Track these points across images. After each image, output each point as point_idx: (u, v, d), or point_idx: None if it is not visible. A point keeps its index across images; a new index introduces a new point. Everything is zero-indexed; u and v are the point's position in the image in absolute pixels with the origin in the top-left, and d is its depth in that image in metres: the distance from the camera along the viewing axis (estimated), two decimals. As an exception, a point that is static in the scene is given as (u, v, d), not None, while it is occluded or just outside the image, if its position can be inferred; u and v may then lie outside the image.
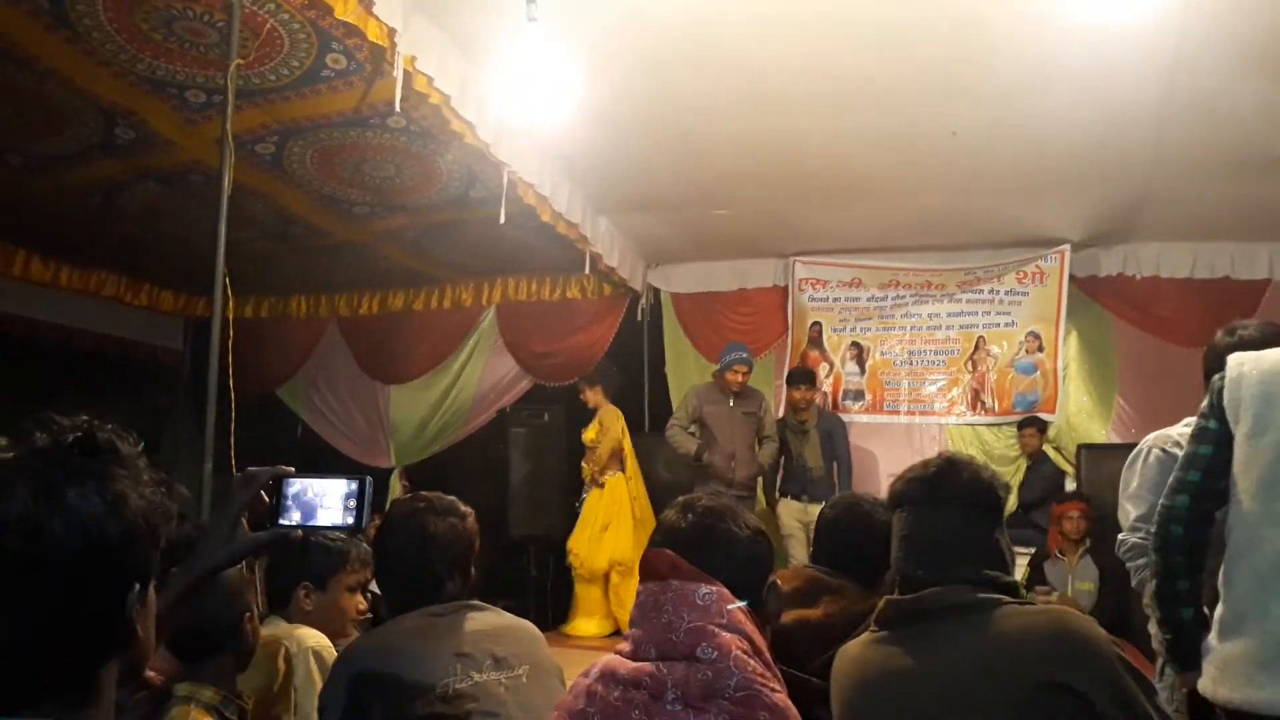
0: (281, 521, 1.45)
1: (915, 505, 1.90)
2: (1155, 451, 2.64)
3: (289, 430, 8.84)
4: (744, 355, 6.55)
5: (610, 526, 6.83)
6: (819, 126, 5.03)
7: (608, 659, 1.68)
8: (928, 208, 6.29)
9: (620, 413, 7.01)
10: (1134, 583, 2.63)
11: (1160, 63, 4.22)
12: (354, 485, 1.44)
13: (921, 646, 1.79)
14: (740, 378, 6.48)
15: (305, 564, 2.51)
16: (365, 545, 2.58)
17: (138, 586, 0.99)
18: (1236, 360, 1.99)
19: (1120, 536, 2.66)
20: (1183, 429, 2.65)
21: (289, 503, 1.45)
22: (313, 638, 2.37)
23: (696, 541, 1.73)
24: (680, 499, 1.83)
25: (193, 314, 8.76)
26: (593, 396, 7.04)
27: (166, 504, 1.04)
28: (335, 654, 2.30)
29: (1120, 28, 3.90)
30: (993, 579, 1.80)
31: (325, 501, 1.45)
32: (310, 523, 1.45)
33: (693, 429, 6.53)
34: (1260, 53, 4.13)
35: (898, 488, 1.95)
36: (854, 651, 1.90)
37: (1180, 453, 2.50)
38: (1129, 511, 2.65)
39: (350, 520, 1.43)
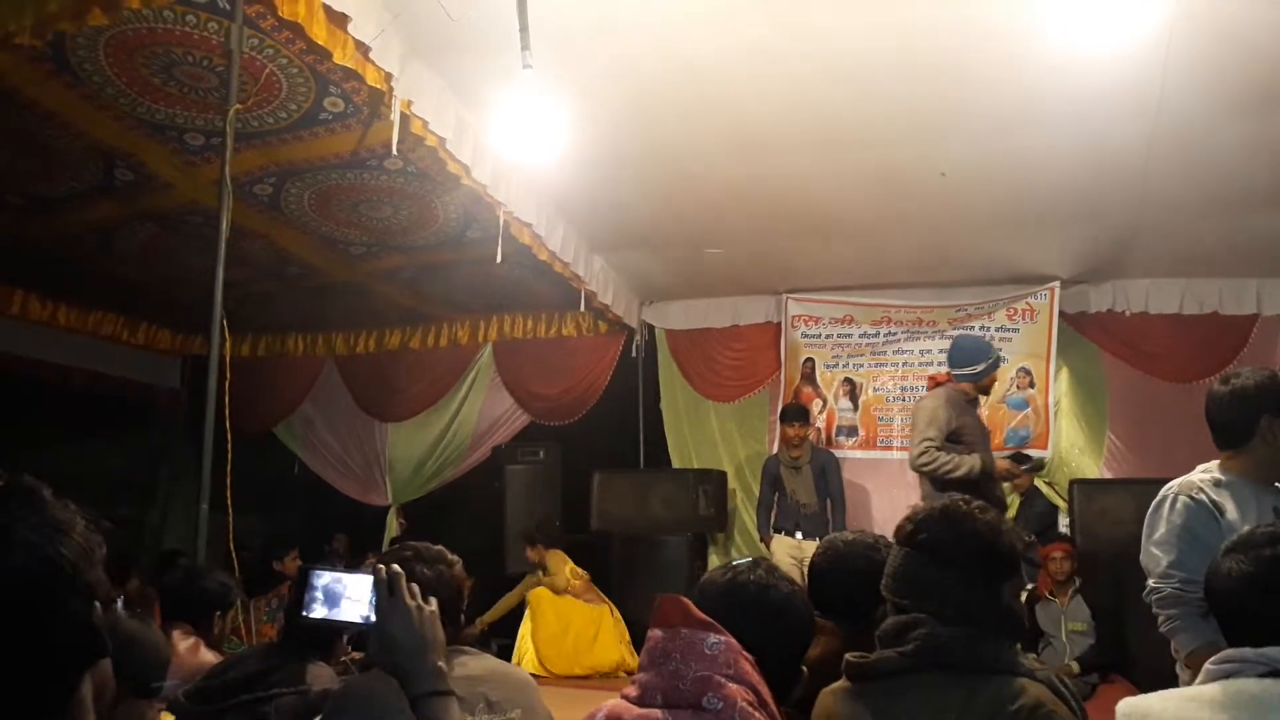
0: (305, 614, 1.45)
1: (905, 547, 1.92)
2: (1182, 499, 2.62)
3: (286, 469, 8.85)
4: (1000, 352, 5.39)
5: (576, 632, 6.58)
6: (808, 167, 5.10)
7: (613, 704, 1.68)
8: (918, 245, 6.34)
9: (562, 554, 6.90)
10: (1162, 629, 2.62)
11: (1145, 101, 4.29)
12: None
13: (882, 706, 1.79)
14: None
15: (190, 607, 2.49)
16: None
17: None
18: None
19: (1151, 583, 2.63)
20: (1202, 475, 2.67)
21: (315, 594, 1.45)
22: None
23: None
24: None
25: (190, 353, 8.80)
26: (534, 555, 6.97)
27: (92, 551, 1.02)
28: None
29: (1104, 66, 3.96)
30: (961, 646, 1.78)
31: (350, 594, 1.45)
32: (334, 615, 1.46)
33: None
34: (1242, 91, 4.20)
35: (901, 524, 1.96)
36: (826, 701, 1.90)
37: (1206, 499, 2.56)
38: (1159, 558, 2.62)
39: (374, 616, 1.42)
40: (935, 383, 5.27)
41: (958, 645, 1.77)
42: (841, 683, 1.92)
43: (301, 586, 1.45)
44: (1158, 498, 2.71)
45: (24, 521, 0.96)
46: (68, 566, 0.97)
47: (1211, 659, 1.73)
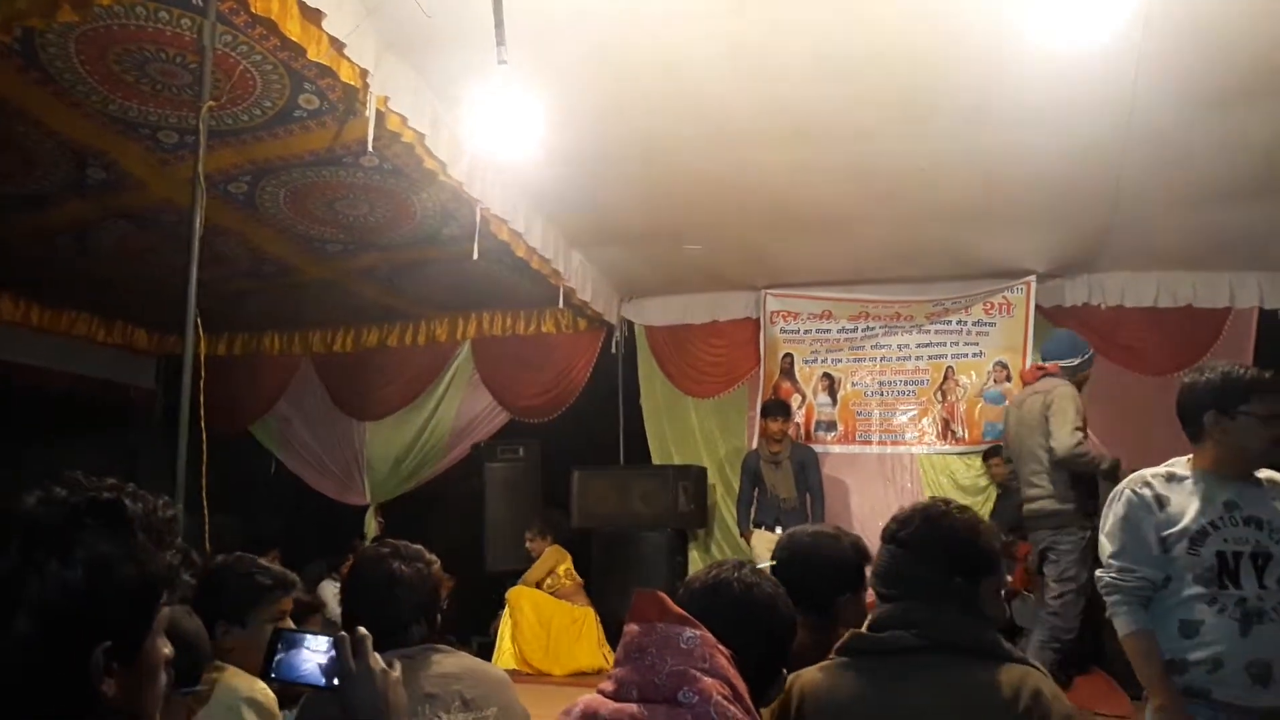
0: (273, 675, 1.44)
1: (893, 545, 2.03)
2: (1126, 492, 2.73)
3: (263, 468, 8.80)
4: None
5: (558, 630, 6.72)
6: (786, 162, 5.11)
7: (589, 698, 1.70)
8: (895, 241, 6.37)
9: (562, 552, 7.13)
10: (1108, 614, 2.71)
11: (1118, 96, 4.33)
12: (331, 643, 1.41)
13: (887, 682, 1.88)
14: None
15: (220, 599, 2.39)
16: (290, 573, 2.54)
17: (109, 643, 1.02)
18: None
19: (1097, 573, 2.76)
20: (1162, 468, 2.73)
21: (280, 655, 1.43)
22: (245, 685, 2.26)
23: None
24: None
25: (166, 352, 8.73)
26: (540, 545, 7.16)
27: (166, 569, 1.08)
28: (272, 698, 2.25)
29: (1078, 62, 3.99)
30: (962, 630, 1.89)
31: (319, 656, 1.43)
32: (300, 677, 1.42)
33: None
34: (1214, 85, 4.24)
35: (887, 525, 2.08)
36: (815, 677, 1.96)
37: (1149, 493, 2.65)
38: (1105, 548, 2.74)
39: (323, 681, 1.40)
40: (1042, 372, 5.22)
41: (965, 630, 1.88)
42: (832, 659, 1.99)
43: (271, 648, 1.43)
44: (1113, 490, 2.82)
45: (87, 542, 1.01)
46: (82, 606, 1.00)
47: None
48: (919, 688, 1.83)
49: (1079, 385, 5.10)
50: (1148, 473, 2.74)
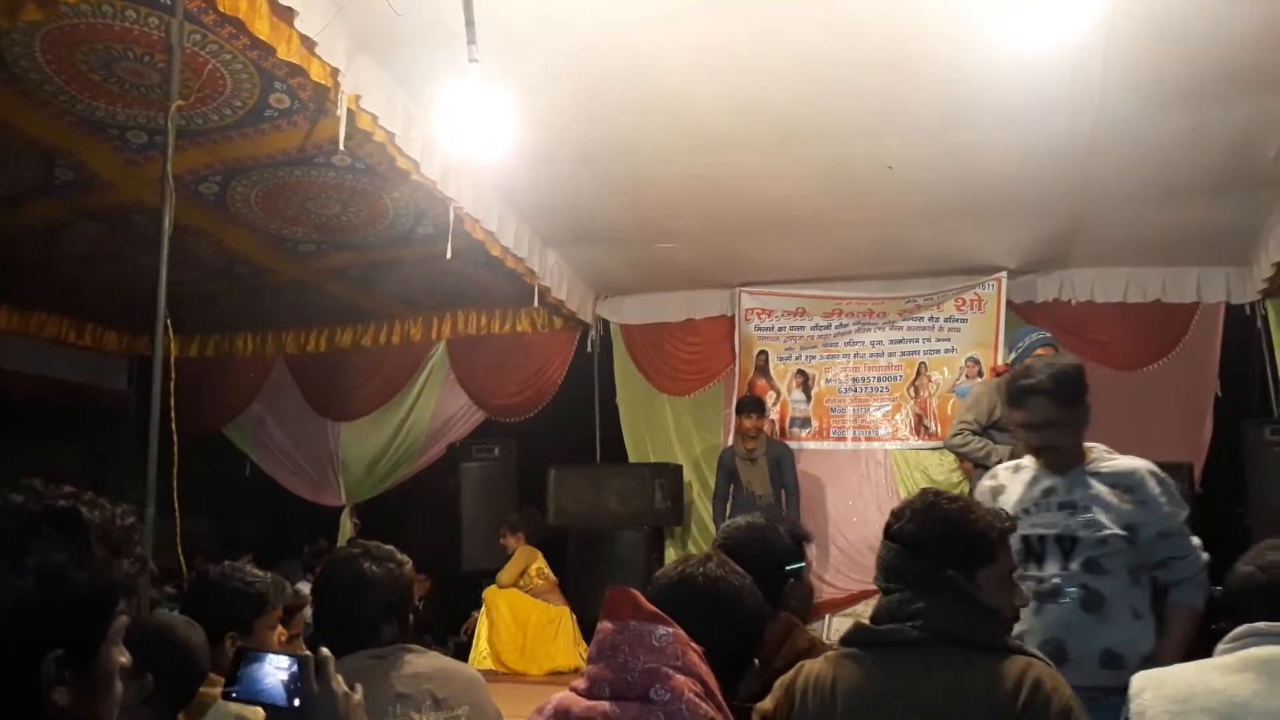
0: (231, 694, 1.41)
1: (889, 540, 2.03)
2: (978, 485, 2.97)
3: (237, 470, 8.73)
4: (1048, 335, 5.15)
5: (534, 629, 6.74)
6: (758, 162, 5.13)
7: (561, 696, 1.70)
8: (868, 238, 6.40)
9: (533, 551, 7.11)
10: None
11: (1085, 94, 4.37)
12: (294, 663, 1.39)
13: (894, 673, 1.88)
14: None
15: (228, 612, 2.42)
16: (282, 579, 2.56)
17: (60, 651, 1.01)
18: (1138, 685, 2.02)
19: None
20: (1008, 463, 2.92)
21: (241, 673, 1.41)
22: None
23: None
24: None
25: (137, 354, 8.64)
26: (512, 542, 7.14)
27: (122, 578, 1.08)
28: (261, 715, 2.25)
29: (1045, 61, 4.02)
30: (959, 622, 1.88)
31: (281, 675, 1.42)
32: (260, 695, 1.39)
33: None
34: (1180, 82, 4.29)
35: (888, 520, 2.07)
36: (819, 667, 1.97)
37: (991, 484, 2.85)
38: None
39: (284, 700, 1.37)
40: (995, 373, 5.46)
41: (961, 621, 1.87)
42: (836, 650, 1.99)
43: (234, 665, 1.42)
44: None
45: (39, 550, 1.01)
46: (29, 615, 1.00)
47: (1226, 636, 1.94)
48: (921, 680, 1.84)
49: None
50: (1000, 466, 2.92)
